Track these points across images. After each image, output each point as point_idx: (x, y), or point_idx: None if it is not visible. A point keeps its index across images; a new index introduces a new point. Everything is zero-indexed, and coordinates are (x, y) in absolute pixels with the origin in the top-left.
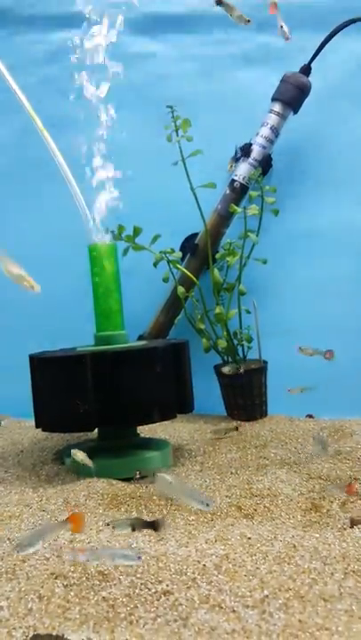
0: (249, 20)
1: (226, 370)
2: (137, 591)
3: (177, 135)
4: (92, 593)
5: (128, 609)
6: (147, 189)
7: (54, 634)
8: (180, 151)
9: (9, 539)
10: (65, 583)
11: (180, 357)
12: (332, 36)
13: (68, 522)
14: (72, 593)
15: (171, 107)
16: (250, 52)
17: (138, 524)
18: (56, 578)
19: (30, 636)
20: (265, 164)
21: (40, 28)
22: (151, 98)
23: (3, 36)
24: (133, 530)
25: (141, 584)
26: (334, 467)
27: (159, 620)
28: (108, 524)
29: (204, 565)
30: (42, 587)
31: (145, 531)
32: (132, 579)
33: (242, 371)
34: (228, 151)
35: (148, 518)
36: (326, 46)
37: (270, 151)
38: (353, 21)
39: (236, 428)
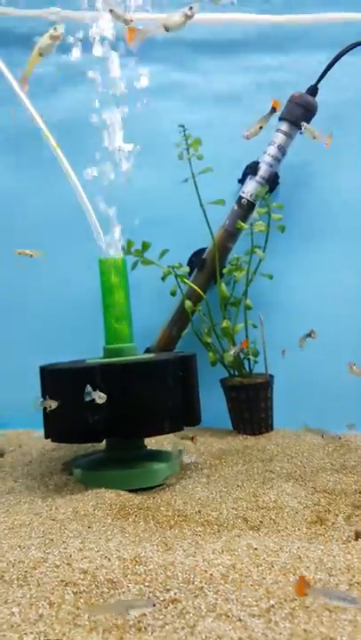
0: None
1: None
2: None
3: (188, 153)
4: (102, 600)
5: (137, 616)
6: (156, 205)
7: (64, 639)
8: (191, 169)
9: (20, 546)
10: (75, 590)
11: (188, 370)
12: (339, 58)
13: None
14: (82, 600)
15: (182, 126)
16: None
17: None
18: (66, 585)
19: None
20: (272, 182)
21: None
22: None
23: None
24: None
25: (150, 592)
26: (340, 480)
27: (167, 627)
28: None
29: (212, 575)
30: (52, 593)
31: (153, 541)
32: (140, 587)
33: None
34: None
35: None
36: (334, 67)
37: (277, 169)
38: (359, 44)
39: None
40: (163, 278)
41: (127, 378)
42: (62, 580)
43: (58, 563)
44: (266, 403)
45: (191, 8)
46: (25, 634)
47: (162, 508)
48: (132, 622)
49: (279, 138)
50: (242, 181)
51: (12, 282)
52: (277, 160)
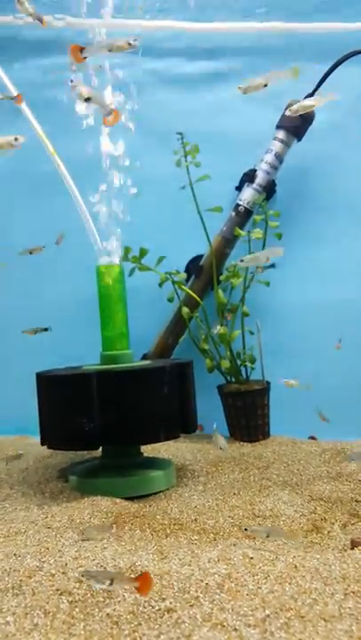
0: None
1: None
2: (141, 608)
3: (186, 161)
4: (97, 609)
5: (132, 626)
6: (154, 212)
7: None
8: (189, 176)
9: (15, 554)
10: (70, 599)
11: (185, 377)
12: (336, 67)
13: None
14: (77, 609)
15: (180, 133)
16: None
17: None
18: (61, 594)
19: None
20: (269, 190)
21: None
22: (158, 124)
23: None
24: None
25: (145, 601)
26: (336, 488)
27: (162, 637)
28: None
29: (207, 584)
30: (47, 602)
31: (149, 549)
32: (135, 596)
33: None
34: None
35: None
36: (330, 76)
37: (274, 177)
38: (357, 52)
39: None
40: (160, 285)
41: (123, 385)
42: (57, 589)
43: (53, 571)
44: (263, 409)
45: (135, 39)
46: None
47: (158, 517)
48: (126, 632)
49: (276, 146)
50: (239, 189)
51: (10, 288)
52: (275, 168)
